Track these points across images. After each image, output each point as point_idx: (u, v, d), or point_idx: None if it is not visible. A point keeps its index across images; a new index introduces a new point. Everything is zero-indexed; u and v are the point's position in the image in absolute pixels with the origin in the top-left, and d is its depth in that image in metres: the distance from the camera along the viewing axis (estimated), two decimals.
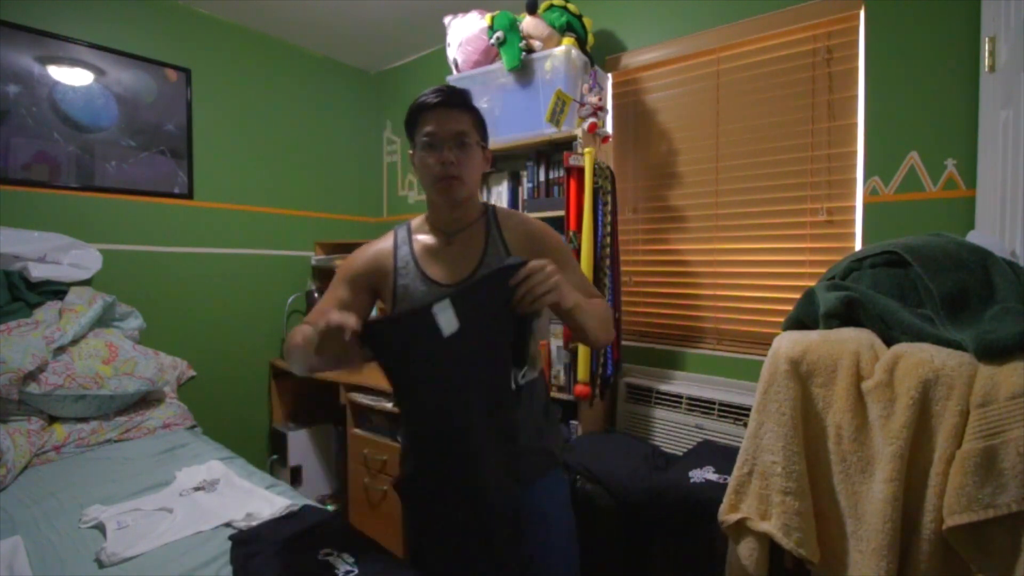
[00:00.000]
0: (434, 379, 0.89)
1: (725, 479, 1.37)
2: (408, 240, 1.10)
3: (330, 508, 2.15)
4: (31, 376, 1.60)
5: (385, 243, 1.12)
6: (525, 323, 0.92)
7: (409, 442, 1.07)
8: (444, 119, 1.00)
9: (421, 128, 1.02)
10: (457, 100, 1.02)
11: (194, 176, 2.44)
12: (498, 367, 0.92)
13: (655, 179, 2.07)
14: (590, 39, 1.97)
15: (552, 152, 1.96)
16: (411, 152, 1.07)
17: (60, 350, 1.71)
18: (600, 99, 1.78)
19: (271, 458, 2.70)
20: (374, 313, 1.21)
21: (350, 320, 0.81)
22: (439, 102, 1.00)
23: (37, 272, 1.85)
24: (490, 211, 1.12)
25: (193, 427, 1.98)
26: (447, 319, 0.86)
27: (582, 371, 1.70)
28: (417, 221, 1.14)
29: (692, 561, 1.33)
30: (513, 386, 0.95)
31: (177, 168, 2.39)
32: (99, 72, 2.16)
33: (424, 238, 1.10)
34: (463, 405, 0.89)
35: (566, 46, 1.81)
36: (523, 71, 1.90)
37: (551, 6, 1.90)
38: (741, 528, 0.95)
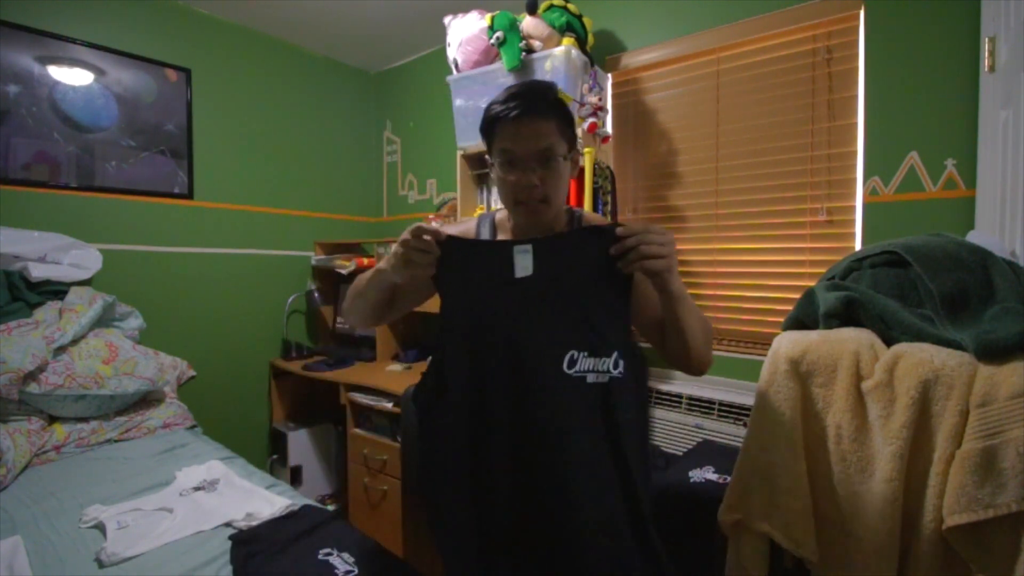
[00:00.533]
0: (483, 313, 0.86)
1: (725, 479, 1.37)
2: (491, 239, 1.02)
3: (330, 508, 2.15)
4: (31, 376, 1.60)
5: (466, 230, 1.04)
6: (612, 299, 0.84)
7: (434, 366, 0.96)
8: (524, 135, 0.87)
9: (498, 142, 0.90)
10: (538, 106, 0.88)
11: (194, 176, 2.44)
12: (557, 334, 0.82)
13: (655, 179, 2.07)
14: (590, 39, 1.97)
15: None
16: (488, 159, 0.96)
17: (60, 350, 1.71)
18: (600, 99, 1.78)
19: (271, 458, 2.70)
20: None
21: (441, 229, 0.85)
22: (518, 114, 0.86)
23: (37, 272, 1.85)
24: (576, 219, 1.02)
25: (193, 427, 1.98)
26: (523, 262, 0.83)
27: None
28: (501, 217, 1.04)
29: (692, 561, 1.33)
30: (566, 368, 0.80)
31: (177, 168, 2.39)
32: (99, 72, 2.16)
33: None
34: (492, 352, 0.84)
35: (566, 46, 1.81)
36: (523, 71, 1.89)
37: (551, 6, 1.90)
38: (741, 528, 0.95)
